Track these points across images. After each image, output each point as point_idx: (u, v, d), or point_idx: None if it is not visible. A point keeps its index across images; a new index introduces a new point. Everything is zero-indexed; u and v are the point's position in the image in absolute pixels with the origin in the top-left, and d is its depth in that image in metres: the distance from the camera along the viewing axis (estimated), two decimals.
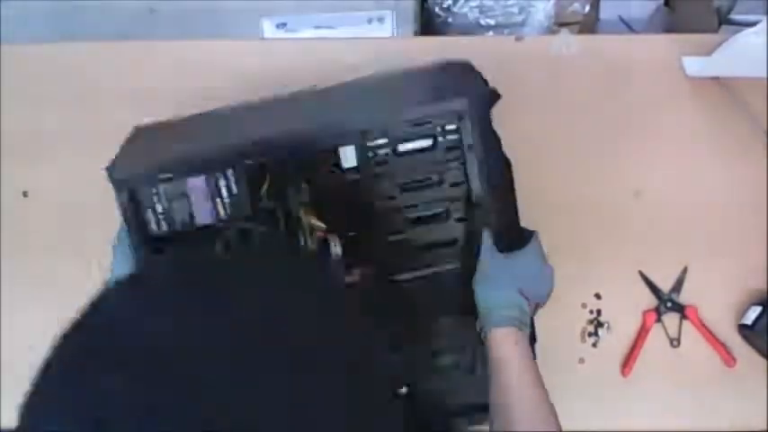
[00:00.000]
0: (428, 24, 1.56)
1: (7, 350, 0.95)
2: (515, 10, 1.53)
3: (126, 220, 0.74)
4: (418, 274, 0.77)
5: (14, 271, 0.97)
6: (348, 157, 0.75)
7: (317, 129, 0.75)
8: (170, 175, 0.74)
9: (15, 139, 1.01)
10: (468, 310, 0.74)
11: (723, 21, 1.48)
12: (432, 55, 1.04)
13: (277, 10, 1.39)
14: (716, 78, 1.00)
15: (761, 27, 0.93)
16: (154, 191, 0.74)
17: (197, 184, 0.74)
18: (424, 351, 0.78)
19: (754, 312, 0.91)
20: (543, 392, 0.69)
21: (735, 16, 1.47)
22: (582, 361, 0.93)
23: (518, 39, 1.05)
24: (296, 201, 0.75)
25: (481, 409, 0.75)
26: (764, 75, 0.97)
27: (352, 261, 0.74)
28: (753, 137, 0.99)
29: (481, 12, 1.53)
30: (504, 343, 0.70)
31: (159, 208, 0.74)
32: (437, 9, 1.55)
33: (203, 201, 0.74)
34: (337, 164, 0.75)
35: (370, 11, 1.37)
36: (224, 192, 0.74)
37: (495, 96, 0.77)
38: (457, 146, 0.74)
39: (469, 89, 0.76)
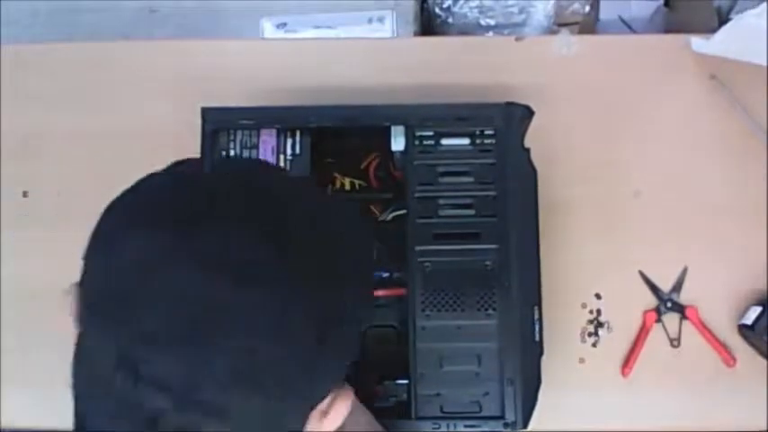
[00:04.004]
0: (428, 24, 1.56)
1: (7, 350, 0.95)
2: (515, 10, 1.53)
3: (202, 154, 0.83)
4: (439, 259, 0.80)
5: (14, 271, 0.97)
6: (398, 141, 0.83)
7: (376, 106, 0.85)
8: (251, 122, 0.83)
9: (15, 139, 1.01)
10: (484, 306, 0.78)
11: (723, 21, 1.48)
12: (432, 55, 1.05)
13: (277, 10, 1.39)
14: (715, 78, 1.00)
15: (761, 9, 0.92)
16: (231, 136, 0.84)
17: (268, 137, 0.84)
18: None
19: (754, 312, 0.91)
20: None
21: (735, 16, 1.48)
22: (582, 361, 0.93)
23: (518, 39, 1.05)
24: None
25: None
26: (764, 62, 0.96)
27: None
28: (753, 137, 0.99)
29: (481, 12, 1.53)
30: None
31: (232, 153, 0.84)
32: (437, 9, 1.55)
33: (269, 154, 0.84)
34: (387, 147, 0.84)
35: (370, 11, 1.37)
36: (288, 150, 0.84)
37: (529, 112, 0.83)
38: (491, 149, 0.82)
39: (509, 105, 0.84)
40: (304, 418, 0.45)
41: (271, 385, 0.41)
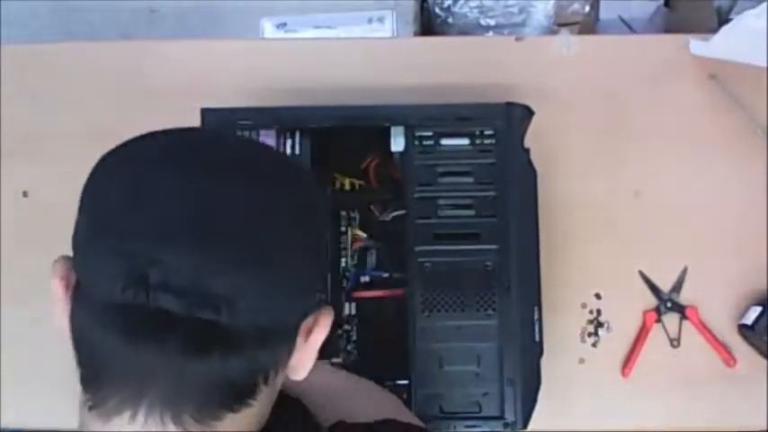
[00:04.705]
0: (428, 24, 1.56)
1: (7, 350, 0.95)
2: (515, 10, 1.53)
3: None
4: (439, 259, 0.80)
5: (14, 271, 0.97)
6: (398, 141, 0.83)
7: (376, 106, 0.85)
8: (249, 122, 0.83)
9: (15, 139, 1.01)
10: (484, 306, 0.78)
11: (723, 21, 1.49)
12: (432, 55, 1.05)
13: (277, 10, 1.40)
14: (715, 78, 1.00)
15: (761, 9, 0.92)
16: None
17: (267, 137, 0.84)
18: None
19: (754, 312, 0.91)
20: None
21: (735, 16, 1.48)
22: (582, 361, 0.93)
23: (518, 39, 1.05)
24: (346, 219, 0.92)
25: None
26: (763, 64, 0.96)
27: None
28: (753, 137, 0.99)
29: (481, 12, 1.53)
30: None
31: None
32: (437, 9, 1.55)
33: None
34: (387, 147, 0.85)
35: (370, 11, 1.37)
36: (288, 150, 0.84)
37: (529, 112, 0.84)
38: (491, 149, 0.82)
39: (509, 105, 0.85)
40: (296, 329, 0.48)
41: (266, 278, 0.43)
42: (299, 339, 0.48)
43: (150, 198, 0.42)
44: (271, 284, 0.43)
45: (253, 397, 0.46)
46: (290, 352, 0.48)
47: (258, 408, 0.47)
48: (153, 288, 0.40)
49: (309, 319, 0.49)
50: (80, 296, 0.45)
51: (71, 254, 0.47)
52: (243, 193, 0.44)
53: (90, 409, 0.44)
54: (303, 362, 0.49)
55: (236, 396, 0.45)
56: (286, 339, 0.47)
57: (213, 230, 0.42)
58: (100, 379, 0.44)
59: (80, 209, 0.45)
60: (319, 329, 0.49)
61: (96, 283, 0.43)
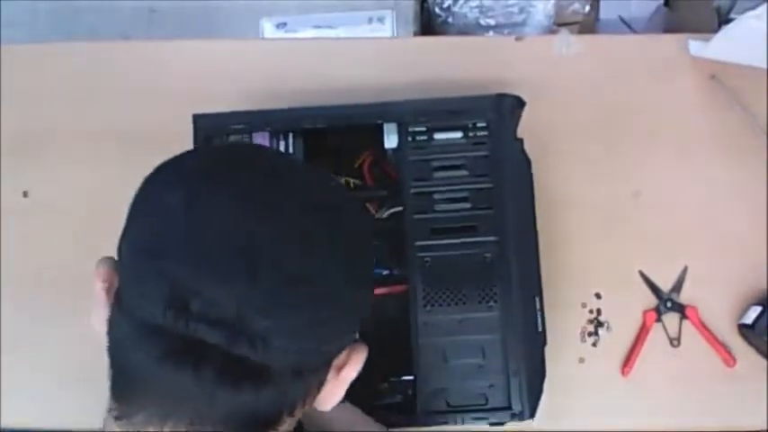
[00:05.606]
0: (428, 24, 1.56)
1: (7, 350, 0.95)
2: (515, 10, 1.53)
3: None
4: (439, 253, 0.80)
5: (14, 271, 0.97)
6: (391, 138, 0.84)
7: (367, 104, 0.86)
8: (241, 126, 0.84)
9: (15, 139, 1.01)
10: (485, 298, 0.78)
11: (723, 21, 1.48)
12: (432, 55, 1.05)
13: (277, 10, 1.40)
14: (715, 78, 1.00)
15: (761, 10, 0.92)
16: (225, 141, 0.84)
17: (261, 140, 0.85)
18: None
19: (754, 312, 0.91)
20: None
21: (735, 16, 1.47)
22: (582, 361, 0.93)
23: (518, 39, 1.05)
24: None
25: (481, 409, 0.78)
26: (763, 65, 0.96)
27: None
28: (753, 137, 0.99)
29: (481, 12, 1.53)
30: None
31: None
32: (437, 9, 1.55)
33: None
34: (381, 145, 0.85)
35: (370, 11, 1.37)
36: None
37: (520, 103, 0.84)
38: (484, 141, 0.82)
39: (499, 96, 0.85)
40: (327, 367, 0.48)
41: (309, 318, 0.43)
42: (331, 373, 0.48)
43: (198, 223, 0.42)
44: (311, 327, 0.43)
45: (275, 427, 0.46)
46: (319, 386, 0.48)
47: None
48: (193, 318, 0.40)
49: (342, 355, 0.49)
50: (121, 308, 0.44)
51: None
52: (298, 227, 0.43)
53: (116, 418, 0.44)
54: (332, 395, 0.49)
55: (260, 426, 0.45)
56: (317, 375, 0.47)
57: (261, 267, 0.41)
58: (130, 393, 0.44)
59: (129, 218, 0.45)
60: (351, 366, 0.49)
61: (137, 300, 0.42)
